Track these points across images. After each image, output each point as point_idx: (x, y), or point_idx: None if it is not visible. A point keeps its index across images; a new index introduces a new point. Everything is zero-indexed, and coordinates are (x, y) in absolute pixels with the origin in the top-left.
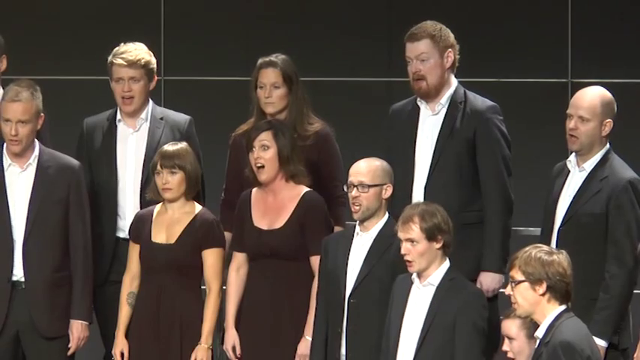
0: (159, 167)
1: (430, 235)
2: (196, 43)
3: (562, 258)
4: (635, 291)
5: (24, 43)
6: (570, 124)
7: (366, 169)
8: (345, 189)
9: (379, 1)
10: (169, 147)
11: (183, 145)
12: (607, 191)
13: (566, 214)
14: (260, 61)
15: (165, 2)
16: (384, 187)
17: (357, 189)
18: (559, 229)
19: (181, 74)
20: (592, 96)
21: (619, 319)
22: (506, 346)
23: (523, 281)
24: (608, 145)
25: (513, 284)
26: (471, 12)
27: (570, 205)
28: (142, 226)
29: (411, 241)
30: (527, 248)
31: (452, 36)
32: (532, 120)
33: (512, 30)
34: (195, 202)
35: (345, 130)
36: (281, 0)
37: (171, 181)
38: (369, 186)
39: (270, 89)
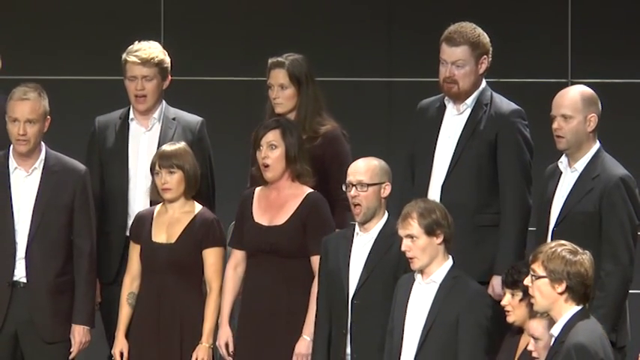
0: (157, 167)
1: (429, 230)
2: (196, 43)
3: (585, 258)
4: (632, 291)
5: (24, 43)
6: (554, 124)
7: (364, 168)
8: (344, 188)
9: (379, 1)
10: (167, 147)
11: (181, 144)
12: (599, 189)
13: (560, 214)
14: (269, 61)
15: (165, 2)
16: (383, 185)
17: (356, 188)
18: (553, 229)
19: (181, 74)
20: (572, 93)
21: (616, 316)
22: (531, 346)
23: (543, 277)
24: (598, 144)
25: (533, 277)
26: (471, 12)
27: (564, 205)
28: (142, 226)
29: (411, 236)
30: (552, 244)
31: (488, 41)
32: (532, 120)
33: (512, 30)
34: (195, 202)
35: (345, 130)
36: (281, 0)
37: (169, 180)
38: (368, 185)
39: (278, 90)
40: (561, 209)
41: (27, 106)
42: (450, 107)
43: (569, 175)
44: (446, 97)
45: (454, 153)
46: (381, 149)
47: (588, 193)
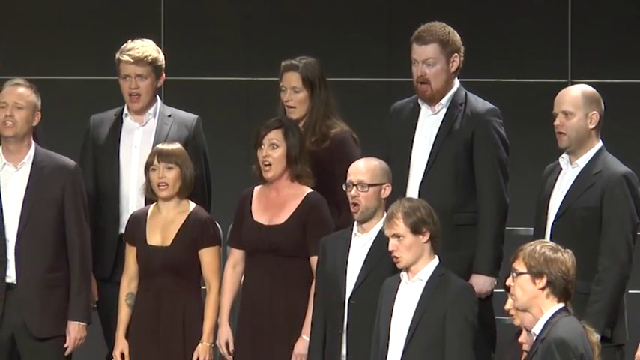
0: (156, 162)
1: (415, 229)
2: (196, 43)
3: (566, 256)
4: (632, 290)
5: (24, 43)
6: (556, 121)
7: (365, 169)
8: (344, 188)
9: (379, 1)
10: (165, 146)
11: (178, 145)
12: (601, 185)
13: (559, 209)
14: (282, 63)
15: (165, 2)
16: (383, 186)
17: (357, 188)
18: (552, 224)
19: (181, 74)
20: (573, 91)
21: (612, 312)
22: (522, 338)
23: (524, 273)
24: (600, 143)
25: (514, 274)
26: (471, 12)
27: (564, 200)
28: (136, 227)
29: (397, 236)
30: (533, 242)
31: (459, 39)
32: (532, 120)
33: (512, 30)
34: (190, 201)
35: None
36: (281, 0)
37: (167, 176)
38: (369, 185)
39: (290, 93)
40: (561, 204)
41: (17, 91)
42: (425, 108)
43: (570, 171)
44: (419, 99)
45: (430, 153)
46: (381, 149)
47: (589, 188)
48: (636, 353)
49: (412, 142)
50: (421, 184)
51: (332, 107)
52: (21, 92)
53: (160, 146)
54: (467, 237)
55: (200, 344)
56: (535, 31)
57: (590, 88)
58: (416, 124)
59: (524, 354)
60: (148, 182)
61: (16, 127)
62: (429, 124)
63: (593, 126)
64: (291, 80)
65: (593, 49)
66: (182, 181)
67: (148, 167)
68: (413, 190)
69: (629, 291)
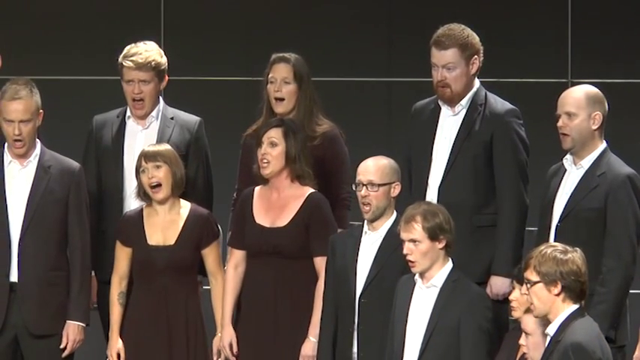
0: (144, 164)
1: (432, 235)
2: (196, 43)
3: (577, 256)
4: (633, 291)
5: (23, 43)
6: (559, 122)
7: (374, 168)
8: (354, 188)
9: (379, 1)
10: (150, 147)
11: (166, 145)
12: (605, 186)
13: (564, 210)
14: (273, 56)
15: (165, 2)
16: (393, 185)
17: (367, 188)
18: (557, 225)
19: (181, 74)
20: (576, 91)
21: (616, 313)
22: (522, 340)
23: (538, 282)
24: (604, 144)
25: (529, 285)
26: (471, 12)
27: (568, 201)
28: (132, 228)
29: (414, 241)
30: (541, 247)
31: (478, 40)
32: (532, 120)
33: (512, 30)
34: (181, 199)
35: (345, 130)
36: (281, 0)
37: (157, 175)
38: (379, 185)
39: (281, 84)
40: (565, 205)
41: (20, 107)
42: (445, 108)
43: (574, 172)
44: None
45: (450, 154)
46: (381, 149)
47: (594, 189)
48: (635, 354)
49: (433, 142)
50: (441, 184)
51: (318, 105)
52: (25, 106)
53: (145, 148)
54: (487, 238)
55: (217, 337)
56: (535, 31)
57: (593, 89)
58: (436, 125)
59: (520, 353)
60: (140, 185)
61: (25, 144)
62: (449, 125)
63: (596, 127)
64: (282, 72)
65: (594, 49)
66: (173, 179)
67: (138, 171)
68: (433, 191)
69: (630, 291)
